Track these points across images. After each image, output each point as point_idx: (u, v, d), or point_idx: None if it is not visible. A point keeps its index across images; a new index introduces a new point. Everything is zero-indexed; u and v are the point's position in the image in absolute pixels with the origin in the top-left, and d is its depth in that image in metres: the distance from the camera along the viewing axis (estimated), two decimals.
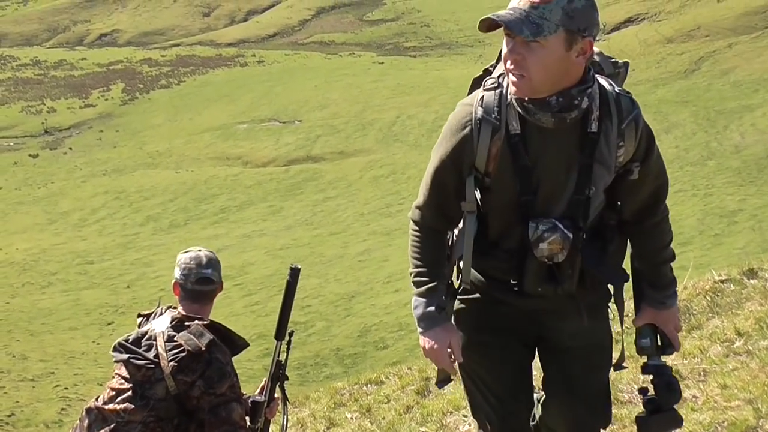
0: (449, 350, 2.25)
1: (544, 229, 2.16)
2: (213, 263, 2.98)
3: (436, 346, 2.24)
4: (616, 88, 2.18)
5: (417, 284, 2.29)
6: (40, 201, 31.11)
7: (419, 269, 2.30)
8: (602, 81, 2.18)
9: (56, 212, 29.59)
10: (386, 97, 40.38)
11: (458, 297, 2.37)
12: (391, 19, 64.40)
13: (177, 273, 2.95)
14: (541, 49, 1.99)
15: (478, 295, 2.35)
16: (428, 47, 55.90)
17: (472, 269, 2.30)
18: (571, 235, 2.16)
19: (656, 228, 2.34)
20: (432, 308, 2.25)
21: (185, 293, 2.94)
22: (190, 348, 2.80)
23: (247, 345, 3.00)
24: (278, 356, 3.01)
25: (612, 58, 2.31)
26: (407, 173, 29.51)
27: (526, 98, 2.07)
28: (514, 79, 2.04)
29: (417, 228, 2.33)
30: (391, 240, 22.62)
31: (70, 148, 38.78)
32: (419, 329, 2.28)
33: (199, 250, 3.02)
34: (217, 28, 66.88)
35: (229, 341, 2.93)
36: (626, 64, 2.34)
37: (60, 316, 19.26)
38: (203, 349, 2.81)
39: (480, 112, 2.15)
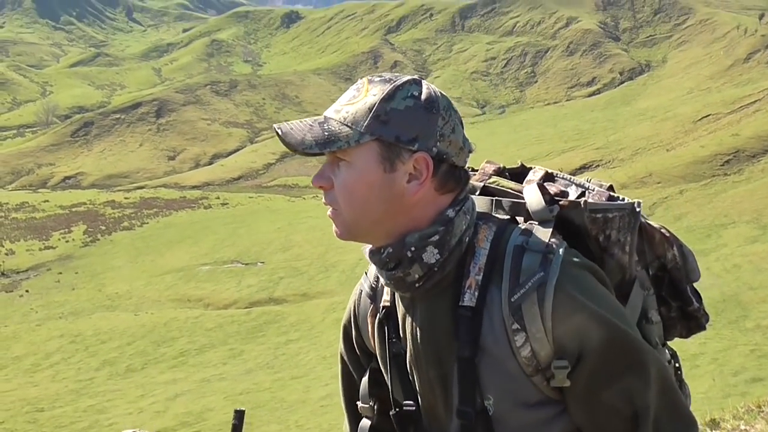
0: None
1: None
2: None
3: None
4: (532, 241, 1.31)
5: None
6: None
7: None
8: (520, 229, 1.34)
9: (8, 357, 28.63)
10: None
11: None
12: None
13: None
14: (347, 169, 1.31)
15: None
16: None
17: None
18: None
19: None
20: None
21: None
22: None
23: None
24: None
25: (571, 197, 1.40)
26: None
27: (367, 251, 1.39)
28: (330, 216, 1.37)
29: None
30: None
31: (27, 291, 38.05)
32: None
33: None
34: (182, 171, 67.89)
35: None
36: (631, 207, 1.38)
37: None
38: None
39: (368, 273, 1.53)
